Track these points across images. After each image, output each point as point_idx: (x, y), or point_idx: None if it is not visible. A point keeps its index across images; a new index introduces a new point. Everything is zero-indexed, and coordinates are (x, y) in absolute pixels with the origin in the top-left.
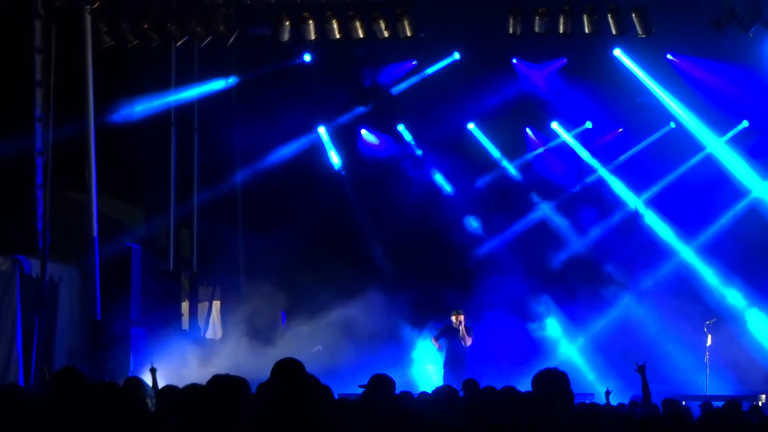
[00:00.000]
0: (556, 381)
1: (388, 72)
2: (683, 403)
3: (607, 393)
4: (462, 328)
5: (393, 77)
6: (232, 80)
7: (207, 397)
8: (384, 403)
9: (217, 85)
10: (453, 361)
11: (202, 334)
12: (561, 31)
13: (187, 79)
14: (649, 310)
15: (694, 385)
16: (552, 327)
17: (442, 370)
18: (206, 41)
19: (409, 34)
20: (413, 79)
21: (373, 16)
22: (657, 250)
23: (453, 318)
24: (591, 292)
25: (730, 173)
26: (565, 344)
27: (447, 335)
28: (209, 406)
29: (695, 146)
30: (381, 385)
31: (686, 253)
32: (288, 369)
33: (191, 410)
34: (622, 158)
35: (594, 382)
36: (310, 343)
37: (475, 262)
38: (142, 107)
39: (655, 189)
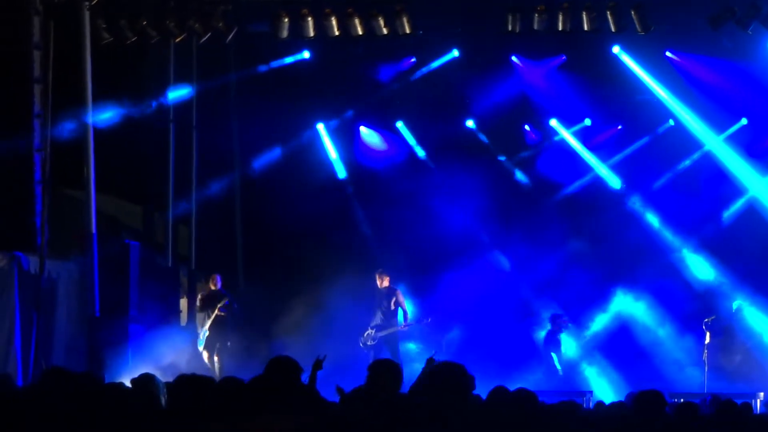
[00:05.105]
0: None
1: (386, 69)
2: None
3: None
4: None
5: (392, 74)
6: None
7: (172, 394)
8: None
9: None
10: None
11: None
12: (560, 28)
13: (185, 76)
14: (648, 308)
15: (692, 382)
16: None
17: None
18: (205, 38)
19: (408, 31)
20: (412, 76)
21: (371, 13)
22: (656, 247)
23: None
24: (591, 290)
25: (728, 171)
26: (564, 342)
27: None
28: (175, 403)
29: (694, 144)
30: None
31: (685, 250)
32: (280, 366)
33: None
34: (620, 155)
35: (591, 379)
36: (309, 342)
37: (476, 262)
38: (141, 104)
39: (654, 186)
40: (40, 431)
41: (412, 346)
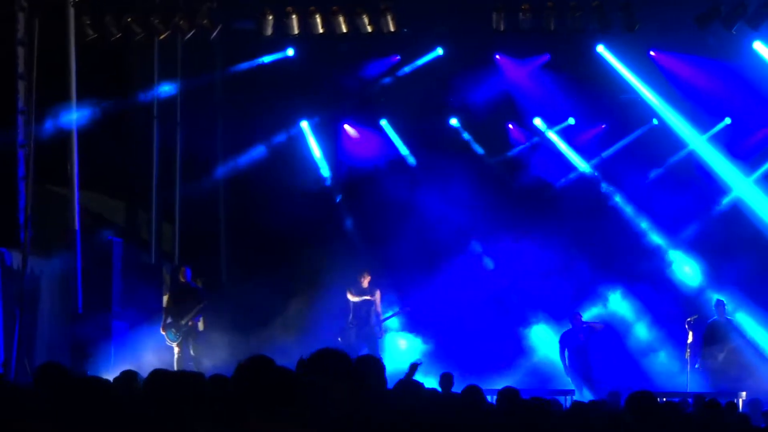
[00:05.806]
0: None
1: (371, 67)
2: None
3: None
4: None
5: (376, 72)
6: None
7: (146, 392)
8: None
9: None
10: None
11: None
12: (544, 27)
13: (170, 73)
14: (631, 308)
15: (675, 382)
16: (538, 325)
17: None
18: (189, 35)
19: (392, 29)
20: (396, 74)
21: (356, 11)
22: (641, 247)
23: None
24: (576, 289)
25: (712, 170)
26: (550, 341)
27: None
28: (149, 401)
29: (678, 143)
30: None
31: (670, 249)
32: (253, 369)
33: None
34: (604, 155)
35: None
36: (293, 340)
37: (460, 260)
38: (125, 101)
39: (638, 186)
40: (28, 429)
41: (400, 339)
